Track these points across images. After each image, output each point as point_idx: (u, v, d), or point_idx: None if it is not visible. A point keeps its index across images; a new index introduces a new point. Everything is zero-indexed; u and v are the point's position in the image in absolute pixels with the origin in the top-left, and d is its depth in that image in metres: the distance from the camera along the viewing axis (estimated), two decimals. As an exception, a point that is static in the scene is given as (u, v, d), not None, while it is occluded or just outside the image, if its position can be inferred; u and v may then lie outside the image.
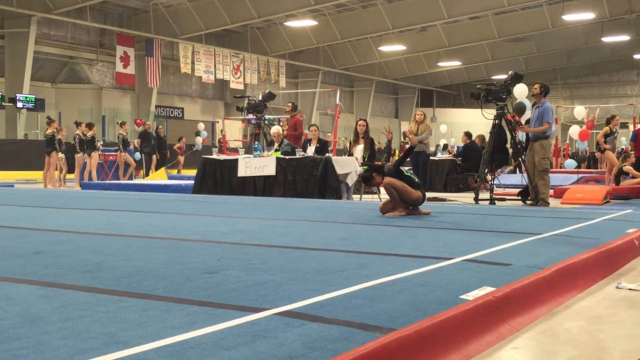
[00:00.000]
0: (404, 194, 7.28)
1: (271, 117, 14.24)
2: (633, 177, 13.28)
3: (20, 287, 3.20)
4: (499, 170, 13.29)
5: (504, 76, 10.93)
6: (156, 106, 29.57)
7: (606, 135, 14.21)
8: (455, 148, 23.65)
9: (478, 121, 13.04)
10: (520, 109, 11.90)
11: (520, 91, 14.15)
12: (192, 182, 12.87)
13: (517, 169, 16.39)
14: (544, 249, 4.62)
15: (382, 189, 12.43)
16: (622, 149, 23.22)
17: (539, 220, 7.12)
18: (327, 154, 11.52)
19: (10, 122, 24.35)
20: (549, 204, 9.91)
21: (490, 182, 10.89)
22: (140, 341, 2.24)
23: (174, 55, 30.01)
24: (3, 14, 24.18)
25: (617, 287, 3.93)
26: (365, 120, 12.25)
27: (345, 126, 31.09)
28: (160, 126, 23.02)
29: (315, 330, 2.41)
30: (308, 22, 29.62)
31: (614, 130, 14.25)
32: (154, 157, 20.63)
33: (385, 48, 33.89)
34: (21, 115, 24.09)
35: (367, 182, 8.29)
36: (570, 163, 21.02)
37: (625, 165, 13.60)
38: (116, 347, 2.19)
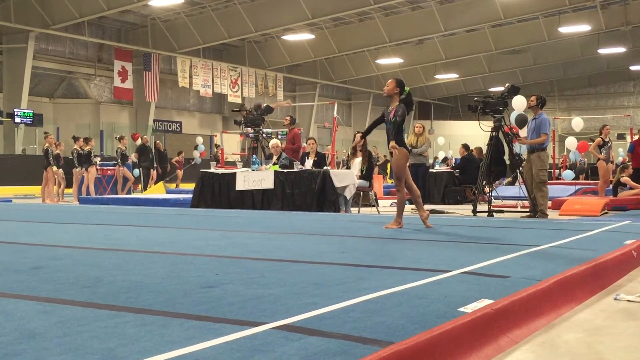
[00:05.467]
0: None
1: (269, 130, 14.27)
2: (631, 188, 13.31)
3: (19, 302, 3.19)
4: (496, 182, 13.31)
5: (501, 88, 10.97)
6: (154, 120, 29.61)
7: (600, 146, 14.23)
8: (453, 160, 23.67)
9: (475, 133, 13.08)
10: (522, 121, 11.94)
11: (519, 103, 14.18)
12: (190, 196, 12.87)
13: (515, 181, 16.40)
14: (542, 261, 4.62)
15: (379, 202, 12.46)
16: (620, 160, 23.24)
17: (537, 232, 7.12)
18: (325, 167, 11.53)
19: (8, 137, 24.37)
20: (547, 215, 9.92)
21: (488, 194, 10.89)
22: (138, 356, 2.24)
23: (171, 69, 30.09)
24: (1, 30, 24.26)
25: (615, 299, 3.93)
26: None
27: (343, 139, 31.15)
28: (158, 141, 23.06)
29: (313, 344, 2.41)
30: (305, 36, 29.73)
31: (607, 139, 14.25)
32: (152, 171, 20.63)
33: (382, 61, 33.99)
34: (19, 130, 24.13)
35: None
36: (568, 174, 21.07)
37: (622, 177, 13.63)
38: (114, 362, 2.18)
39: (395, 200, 7.71)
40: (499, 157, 10.90)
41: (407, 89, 7.47)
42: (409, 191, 7.55)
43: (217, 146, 24.58)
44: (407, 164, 7.52)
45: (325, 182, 10.89)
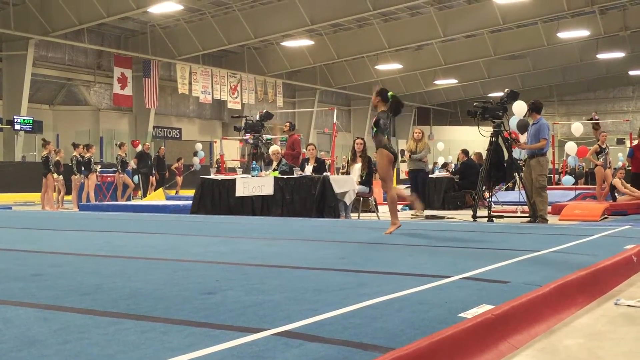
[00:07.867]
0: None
1: (269, 136, 14.29)
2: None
3: (19, 309, 3.19)
4: (496, 187, 13.31)
5: (500, 94, 10.98)
6: (154, 127, 29.63)
7: (598, 153, 14.28)
8: (453, 165, 23.67)
9: (475, 138, 13.08)
10: (524, 126, 11.95)
11: (519, 108, 14.21)
12: (190, 202, 12.86)
13: (514, 186, 16.41)
14: (542, 266, 4.62)
15: (379, 208, 12.46)
16: (620, 165, 23.23)
17: (537, 237, 7.12)
18: (324, 173, 11.53)
19: (8, 144, 24.39)
20: (547, 220, 9.91)
21: (488, 200, 10.89)
22: (138, 363, 2.24)
23: (171, 76, 30.12)
24: (1, 37, 24.29)
25: (615, 304, 3.92)
26: (362, 139, 12.30)
27: (343, 145, 31.16)
28: (162, 147, 23.07)
29: (314, 350, 2.41)
30: (304, 42, 29.77)
31: (604, 146, 14.29)
32: (151, 178, 20.63)
33: (381, 67, 34.03)
34: (19, 137, 24.14)
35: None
36: (568, 180, 21.07)
37: (614, 180, 13.67)
38: (115, 369, 2.18)
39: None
40: (498, 162, 10.90)
41: (390, 93, 7.46)
42: (387, 194, 7.53)
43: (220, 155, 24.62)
44: (391, 164, 7.44)
45: (325, 188, 10.89)
